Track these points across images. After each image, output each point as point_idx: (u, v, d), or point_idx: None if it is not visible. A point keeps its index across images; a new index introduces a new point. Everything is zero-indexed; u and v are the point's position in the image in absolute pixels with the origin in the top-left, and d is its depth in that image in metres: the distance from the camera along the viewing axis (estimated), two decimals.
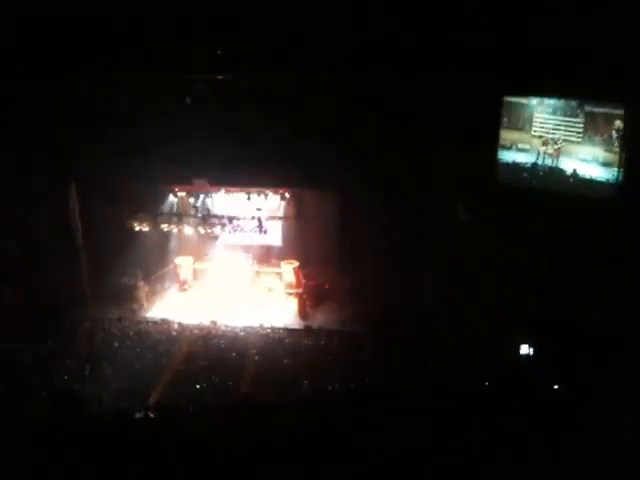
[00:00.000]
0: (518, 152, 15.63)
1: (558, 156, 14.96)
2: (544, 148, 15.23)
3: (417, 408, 5.03)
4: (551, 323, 13.30)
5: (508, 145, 15.50)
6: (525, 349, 13.29)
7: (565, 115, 14.61)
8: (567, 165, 14.78)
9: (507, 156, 15.58)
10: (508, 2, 12.50)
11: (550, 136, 15.16)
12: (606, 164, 13.73)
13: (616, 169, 13.30)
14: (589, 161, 14.19)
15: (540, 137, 15.33)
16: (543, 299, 13.86)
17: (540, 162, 15.30)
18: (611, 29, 11.16)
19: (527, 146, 15.69)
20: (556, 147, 14.87)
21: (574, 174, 14.53)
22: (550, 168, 15.12)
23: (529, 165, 15.48)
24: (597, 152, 13.96)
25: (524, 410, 5.11)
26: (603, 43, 11.48)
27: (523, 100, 15.09)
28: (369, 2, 13.42)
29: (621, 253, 12.65)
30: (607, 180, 13.58)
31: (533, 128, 15.46)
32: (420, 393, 7.38)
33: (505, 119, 15.31)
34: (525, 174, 15.61)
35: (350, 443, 4.28)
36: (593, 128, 14.03)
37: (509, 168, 15.65)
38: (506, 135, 15.51)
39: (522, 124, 15.49)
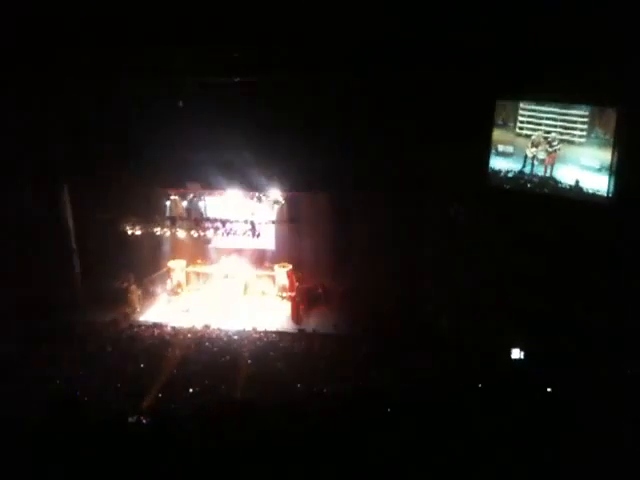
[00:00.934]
0: (498, 157, 13.40)
1: (553, 163, 12.37)
2: (534, 150, 12.67)
3: (415, 409, 5.00)
4: (550, 324, 12.36)
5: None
6: (522, 353, 12.55)
7: (563, 107, 12.02)
8: (565, 174, 12.16)
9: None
10: (507, 2, 11.70)
11: (542, 135, 12.51)
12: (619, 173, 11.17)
13: None
14: (596, 169, 11.46)
15: (528, 136, 12.75)
16: (542, 300, 12.82)
17: (528, 170, 12.87)
18: (611, 29, 10.30)
19: (510, 148, 13.20)
20: (551, 150, 12.30)
21: (576, 187, 11.94)
22: (542, 179, 12.62)
23: (513, 174, 13.17)
24: (608, 157, 11.17)
25: (524, 410, 5.09)
26: (603, 43, 10.52)
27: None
28: (368, 2, 13.44)
29: (620, 253, 11.62)
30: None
31: (518, 124, 12.89)
32: (418, 394, 7.36)
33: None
34: (507, 185, 13.31)
35: (346, 445, 4.24)
36: (602, 123, 11.26)
37: (488, 176, 13.56)
38: None
39: (503, 119, 13.09)
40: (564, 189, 12.29)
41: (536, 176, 12.83)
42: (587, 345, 11.25)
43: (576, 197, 12.04)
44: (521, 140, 12.95)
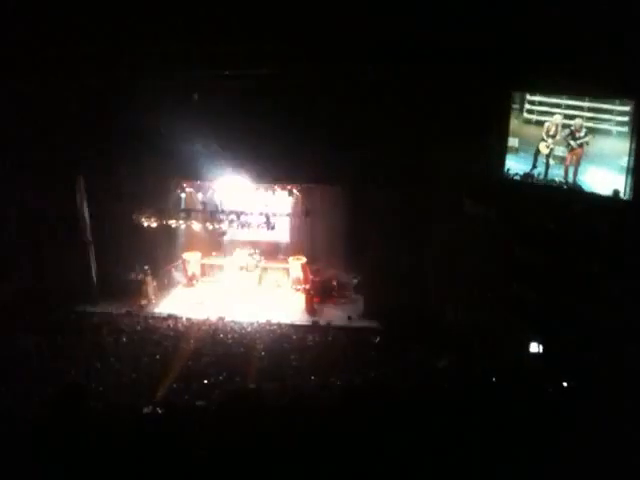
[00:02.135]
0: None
1: (578, 163, 8.90)
2: (550, 143, 9.34)
3: (422, 406, 5.04)
4: (553, 322, 11.49)
5: None
6: (532, 347, 12.10)
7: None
8: (596, 180, 8.61)
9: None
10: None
11: (561, 122, 9.02)
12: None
13: None
14: None
15: (540, 124, 9.49)
16: (546, 298, 11.87)
17: (540, 172, 9.52)
18: (614, 25, 8.93)
19: (514, 141, 9.98)
20: (575, 144, 8.84)
21: (614, 199, 8.54)
22: (561, 186, 9.21)
23: (519, 178, 10.02)
24: None
25: (525, 409, 5.11)
26: (609, 38, 8.96)
27: None
28: (375, 1, 13.31)
29: (624, 253, 10.03)
30: None
31: (527, 106, 9.59)
32: (425, 390, 7.39)
33: None
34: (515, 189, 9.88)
35: (353, 440, 4.30)
36: None
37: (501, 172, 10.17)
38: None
39: None
40: (594, 199, 8.80)
41: (552, 182, 9.54)
42: (592, 343, 10.51)
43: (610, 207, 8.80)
44: (531, 129, 9.60)
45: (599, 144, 8.66)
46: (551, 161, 9.41)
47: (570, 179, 9.04)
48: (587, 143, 8.87)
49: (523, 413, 4.79)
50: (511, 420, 4.58)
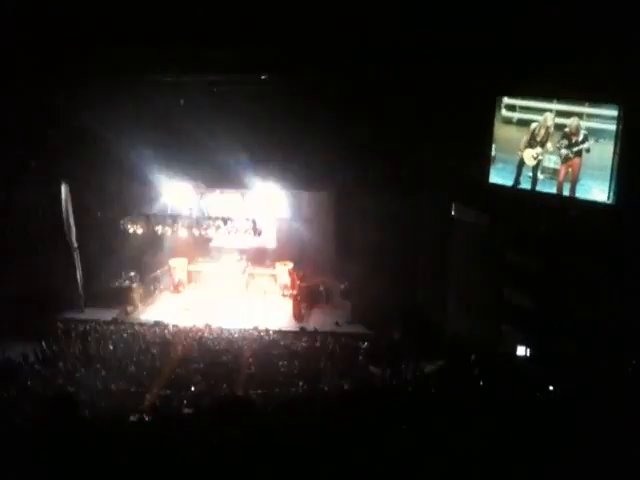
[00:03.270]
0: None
1: (576, 178, 7.02)
2: (536, 153, 7.36)
3: (414, 409, 5.00)
4: (550, 324, 11.08)
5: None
6: (523, 350, 11.86)
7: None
8: (600, 196, 6.62)
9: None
10: (506, 2, 10.02)
11: (552, 123, 7.08)
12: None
13: None
14: None
15: (525, 125, 7.57)
16: (542, 300, 11.48)
17: (526, 188, 7.57)
18: (610, 29, 8.18)
19: (493, 150, 8.01)
20: (570, 153, 6.99)
21: (610, 205, 6.86)
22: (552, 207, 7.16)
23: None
24: None
25: (523, 411, 5.08)
26: (602, 43, 8.18)
27: None
28: (366, 2, 13.25)
29: (621, 253, 9.46)
30: None
31: (505, 101, 7.78)
32: (418, 393, 7.32)
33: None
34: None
35: (347, 444, 4.25)
36: None
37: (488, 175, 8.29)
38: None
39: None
40: (589, 205, 6.74)
41: (540, 198, 7.64)
42: (587, 344, 10.19)
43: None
44: (512, 132, 7.66)
45: (603, 152, 6.48)
46: (540, 175, 7.37)
47: (566, 195, 7.03)
48: (587, 150, 6.84)
49: (522, 414, 4.76)
50: (509, 421, 4.55)
